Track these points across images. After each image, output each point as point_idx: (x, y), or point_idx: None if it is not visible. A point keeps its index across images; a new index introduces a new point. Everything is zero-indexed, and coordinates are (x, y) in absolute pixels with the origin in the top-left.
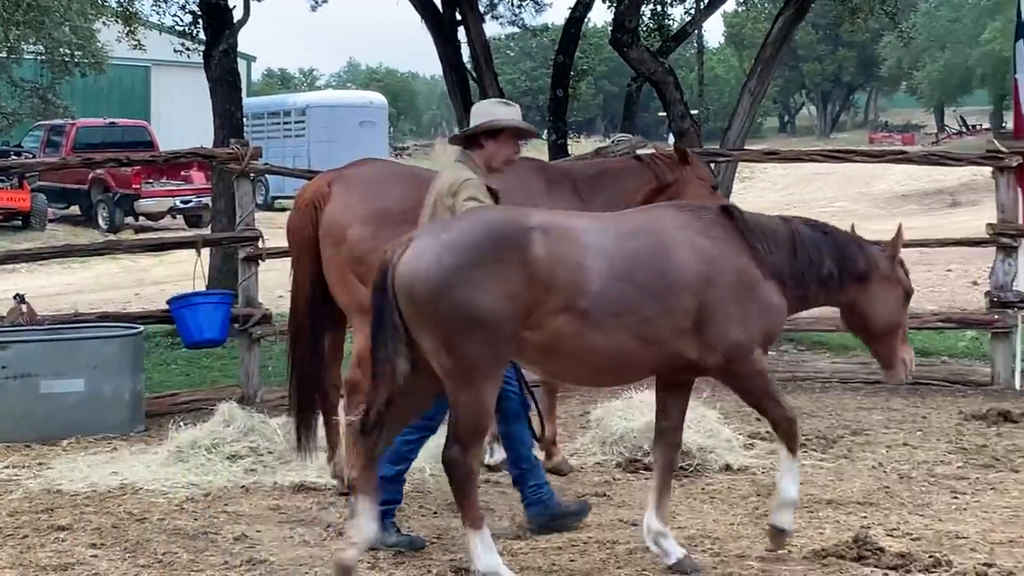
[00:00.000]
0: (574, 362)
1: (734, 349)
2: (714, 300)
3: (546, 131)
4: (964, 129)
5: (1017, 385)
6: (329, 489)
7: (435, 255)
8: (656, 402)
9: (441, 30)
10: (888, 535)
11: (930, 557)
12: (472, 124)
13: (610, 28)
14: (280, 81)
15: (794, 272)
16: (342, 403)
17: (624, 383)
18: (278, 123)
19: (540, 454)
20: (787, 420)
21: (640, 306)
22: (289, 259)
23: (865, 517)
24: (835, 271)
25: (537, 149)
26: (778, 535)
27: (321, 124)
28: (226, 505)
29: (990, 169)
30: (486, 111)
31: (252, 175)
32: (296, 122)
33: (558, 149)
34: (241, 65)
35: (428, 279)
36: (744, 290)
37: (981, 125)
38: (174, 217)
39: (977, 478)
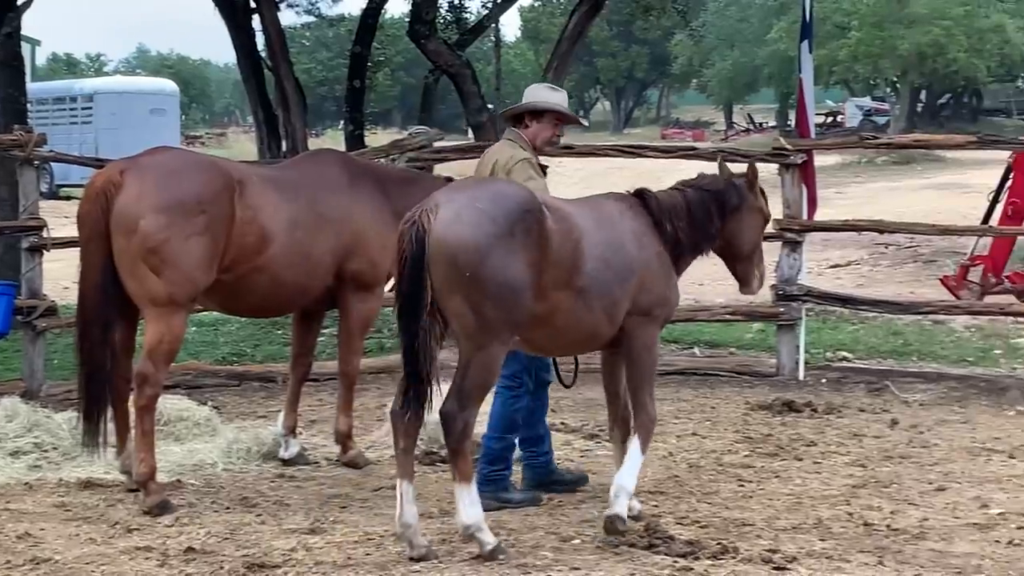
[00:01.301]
0: (560, 335)
1: (647, 319)
2: (648, 281)
3: (342, 122)
4: (752, 126)
5: (801, 376)
6: (117, 485)
7: (475, 221)
8: (604, 385)
9: (235, 18)
10: (678, 523)
11: (717, 544)
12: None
13: (407, 20)
14: (66, 66)
15: (690, 240)
16: (132, 396)
17: (583, 353)
18: (64, 109)
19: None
20: (651, 417)
21: (613, 288)
22: (77, 249)
23: (656, 506)
24: (718, 224)
25: (333, 140)
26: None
27: (109, 111)
28: (8, 503)
29: (776, 166)
30: (533, 93)
31: (36, 162)
32: (83, 108)
33: (355, 140)
34: (25, 49)
35: (472, 244)
36: (664, 271)
37: (768, 123)
38: None
39: (762, 466)
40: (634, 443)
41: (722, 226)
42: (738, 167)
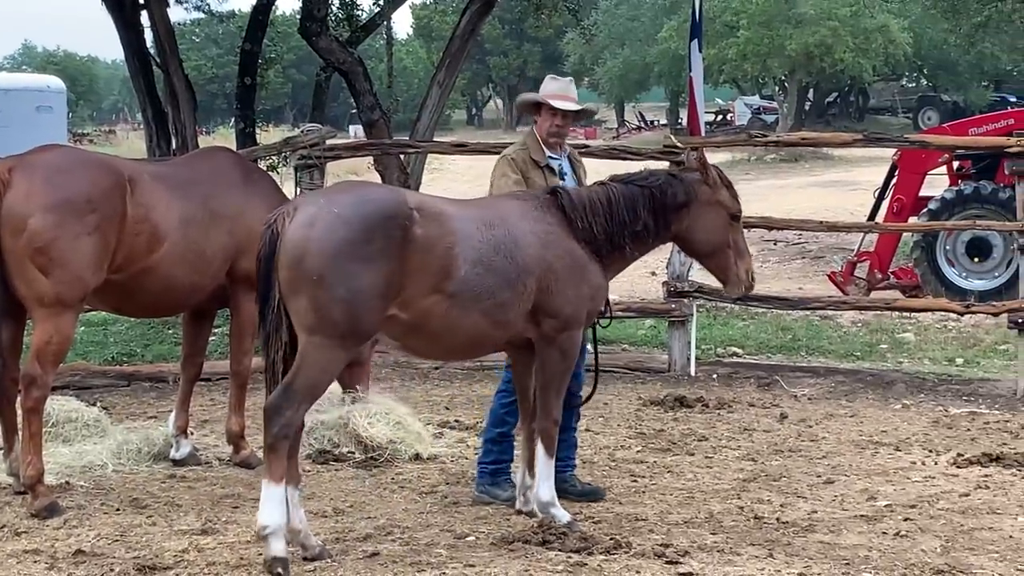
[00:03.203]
0: (435, 341)
1: (562, 324)
2: (552, 282)
3: (233, 119)
4: (643, 125)
5: (692, 371)
6: (4, 488)
7: (328, 227)
8: (514, 381)
9: (123, 14)
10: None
11: (611, 539)
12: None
13: (299, 16)
14: None
15: (611, 239)
16: (19, 398)
17: (472, 358)
18: None
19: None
20: (554, 421)
21: (497, 291)
22: None
23: None
24: (651, 222)
25: (224, 137)
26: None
27: None
28: None
29: (667, 164)
30: (542, 85)
31: None
32: None
33: (246, 138)
34: None
35: (320, 249)
36: (576, 271)
37: (659, 121)
38: None
39: (655, 461)
40: (539, 450)
41: (665, 223)
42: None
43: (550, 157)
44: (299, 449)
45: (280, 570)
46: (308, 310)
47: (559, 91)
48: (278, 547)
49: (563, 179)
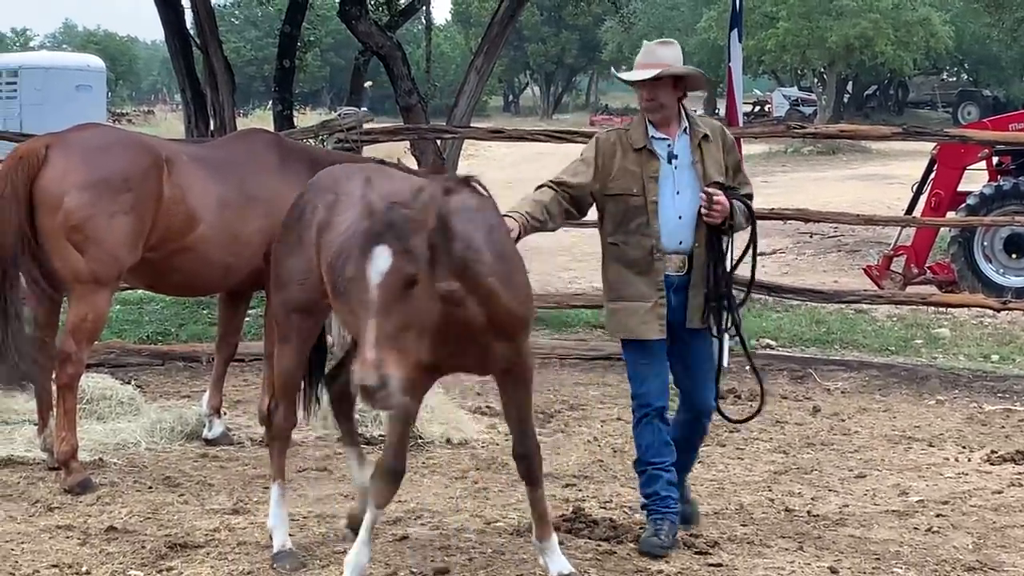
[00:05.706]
0: None
1: None
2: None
3: (270, 102)
4: None
5: (725, 363)
6: (38, 463)
7: None
8: None
9: None
10: (602, 507)
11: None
12: None
13: (338, 0)
14: None
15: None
16: (54, 375)
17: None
18: None
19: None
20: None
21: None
22: None
23: (580, 490)
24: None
25: (261, 120)
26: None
27: (34, 86)
28: None
29: None
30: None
31: None
32: (7, 83)
33: (283, 120)
34: None
35: None
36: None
37: (697, 111)
38: None
39: None
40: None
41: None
42: None
43: (653, 138)
44: (353, 413)
45: (278, 563)
46: None
47: (640, 58)
48: (278, 541)
49: (671, 163)
